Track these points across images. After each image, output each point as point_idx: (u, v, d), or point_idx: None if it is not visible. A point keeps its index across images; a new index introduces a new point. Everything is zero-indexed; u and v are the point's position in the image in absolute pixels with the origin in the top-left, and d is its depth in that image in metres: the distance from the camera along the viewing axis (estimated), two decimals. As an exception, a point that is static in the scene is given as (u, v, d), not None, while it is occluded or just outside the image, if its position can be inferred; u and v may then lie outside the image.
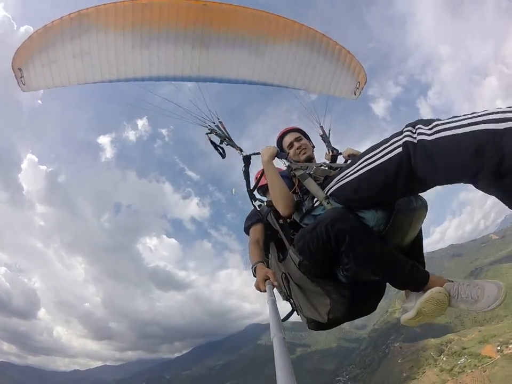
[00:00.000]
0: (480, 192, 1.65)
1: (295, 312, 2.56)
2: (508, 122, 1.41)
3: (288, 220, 2.60)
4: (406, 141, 1.68)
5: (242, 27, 4.24)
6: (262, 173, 3.06)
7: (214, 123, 3.68)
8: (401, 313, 2.47)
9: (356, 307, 2.33)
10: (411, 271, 1.94)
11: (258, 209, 2.97)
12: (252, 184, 3.11)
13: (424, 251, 2.41)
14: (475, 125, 1.49)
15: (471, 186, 1.65)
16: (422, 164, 1.63)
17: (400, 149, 1.71)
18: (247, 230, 2.90)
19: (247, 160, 3.07)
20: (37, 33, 4.43)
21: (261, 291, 2.13)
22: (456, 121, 1.56)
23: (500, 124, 1.42)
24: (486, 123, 1.46)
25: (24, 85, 4.71)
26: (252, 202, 3.03)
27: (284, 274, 2.42)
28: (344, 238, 1.87)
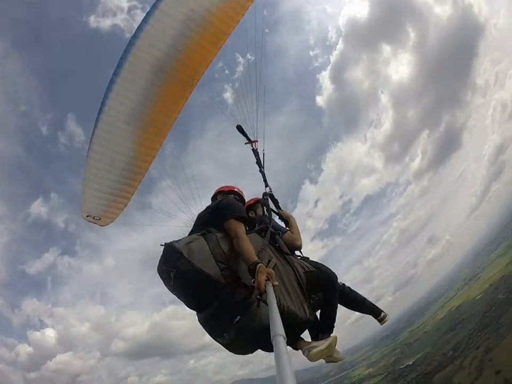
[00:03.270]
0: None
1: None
2: None
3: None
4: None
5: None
6: (255, 203, 4.04)
7: None
8: (307, 353, 3.00)
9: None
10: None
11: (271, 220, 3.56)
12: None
13: None
14: None
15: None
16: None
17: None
18: (235, 219, 2.75)
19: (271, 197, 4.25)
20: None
21: (260, 291, 2.16)
22: None
23: None
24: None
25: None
26: (270, 214, 3.76)
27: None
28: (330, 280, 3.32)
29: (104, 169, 4.52)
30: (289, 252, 3.26)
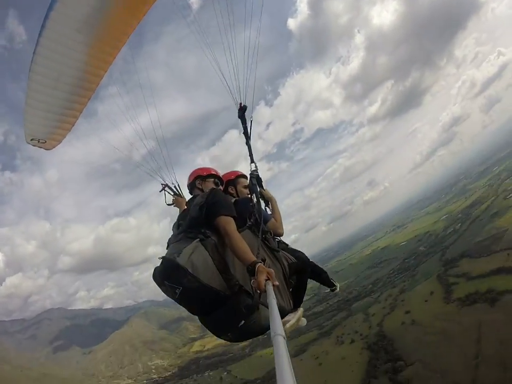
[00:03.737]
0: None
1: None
2: None
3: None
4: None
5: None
6: (236, 177, 3.80)
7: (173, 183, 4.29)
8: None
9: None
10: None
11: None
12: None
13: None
14: None
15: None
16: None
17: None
18: (225, 215, 2.64)
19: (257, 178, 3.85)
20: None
21: (260, 291, 2.13)
22: None
23: None
24: None
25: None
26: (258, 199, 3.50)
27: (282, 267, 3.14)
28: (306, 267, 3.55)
29: (49, 86, 4.00)
30: (278, 249, 3.24)
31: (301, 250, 3.64)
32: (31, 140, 4.37)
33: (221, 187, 3.50)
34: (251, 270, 2.25)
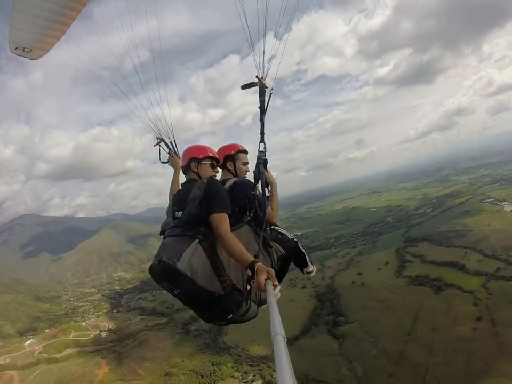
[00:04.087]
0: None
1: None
2: None
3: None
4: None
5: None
6: (236, 153, 3.53)
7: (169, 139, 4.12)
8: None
9: None
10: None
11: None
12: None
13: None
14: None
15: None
16: None
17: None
18: (219, 212, 2.60)
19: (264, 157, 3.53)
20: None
21: (261, 291, 2.20)
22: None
23: None
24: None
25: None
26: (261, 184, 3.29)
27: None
28: (291, 254, 3.45)
29: None
30: (271, 244, 3.24)
31: (290, 239, 3.54)
32: (16, 48, 4.15)
33: (217, 169, 3.26)
34: (250, 271, 2.28)
